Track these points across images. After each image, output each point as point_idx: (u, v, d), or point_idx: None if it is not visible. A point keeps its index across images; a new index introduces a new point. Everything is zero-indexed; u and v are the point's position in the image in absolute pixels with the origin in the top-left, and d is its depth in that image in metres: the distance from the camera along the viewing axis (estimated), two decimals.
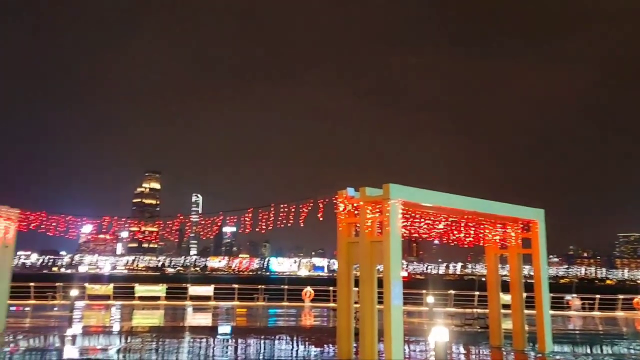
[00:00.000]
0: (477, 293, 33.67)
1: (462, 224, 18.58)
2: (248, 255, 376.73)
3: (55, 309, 32.52)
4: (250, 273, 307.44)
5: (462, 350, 19.93)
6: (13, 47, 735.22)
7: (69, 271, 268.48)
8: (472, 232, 18.87)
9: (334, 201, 16.52)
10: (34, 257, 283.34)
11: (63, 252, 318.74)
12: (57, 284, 38.63)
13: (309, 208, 17.09)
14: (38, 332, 22.85)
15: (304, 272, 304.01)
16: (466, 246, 19.24)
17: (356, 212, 16.21)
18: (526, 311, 20.07)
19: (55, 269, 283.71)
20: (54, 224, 22.32)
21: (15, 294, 25.71)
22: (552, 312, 21.90)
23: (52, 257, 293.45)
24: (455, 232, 18.52)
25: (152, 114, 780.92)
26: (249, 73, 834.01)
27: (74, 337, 21.80)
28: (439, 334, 12.53)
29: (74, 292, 30.47)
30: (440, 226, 18.01)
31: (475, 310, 26.35)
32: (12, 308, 25.80)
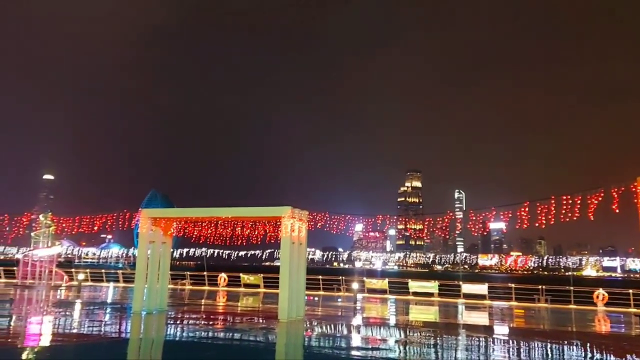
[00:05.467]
0: None
1: None
2: (520, 253, 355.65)
3: (339, 300, 35.95)
4: (525, 272, 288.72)
5: None
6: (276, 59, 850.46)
7: (346, 266, 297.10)
8: None
9: (632, 190, 13.95)
10: (318, 254, 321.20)
11: (340, 249, 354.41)
12: (339, 278, 42.78)
13: (599, 199, 14.82)
14: (328, 320, 25.51)
15: (589, 272, 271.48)
16: None
17: None
18: None
19: (335, 264, 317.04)
20: (335, 223, 24.75)
21: (308, 285, 29.19)
22: None
23: (333, 253, 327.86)
24: None
25: (407, 114, 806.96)
26: (507, 59, 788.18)
27: (358, 326, 23.63)
28: None
29: (355, 286, 33.24)
30: None
31: None
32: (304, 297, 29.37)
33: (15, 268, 45.92)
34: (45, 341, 18.03)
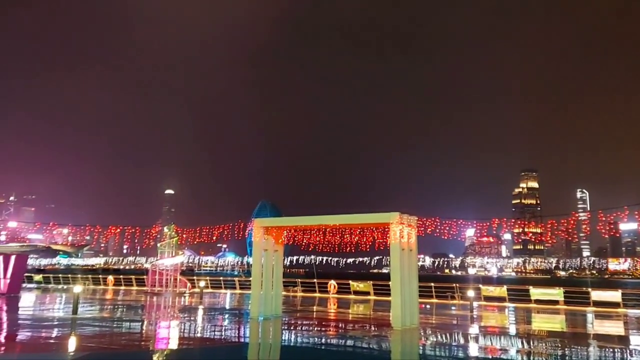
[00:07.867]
0: None
1: None
2: None
3: (454, 308, 34.64)
4: None
5: None
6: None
7: (459, 273, 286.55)
8: None
9: None
10: (428, 260, 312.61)
11: (451, 255, 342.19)
12: (453, 285, 41.25)
13: None
14: (444, 329, 24.65)
15: None
16: None
17: None
18: None
19: (447, 270, 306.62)
20: (446, 228, 23.92)
21: (419, 293, 28.42)
22: None
23: (444, 259, 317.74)
24: None
25: (520, 113, 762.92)
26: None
27: (476, 335, 22.55)
28: None
29: (471, 293, 31.85)
30: None
31: None
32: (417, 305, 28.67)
33: (145, 277, 50.17)
34: (174, 344, 19.34)
